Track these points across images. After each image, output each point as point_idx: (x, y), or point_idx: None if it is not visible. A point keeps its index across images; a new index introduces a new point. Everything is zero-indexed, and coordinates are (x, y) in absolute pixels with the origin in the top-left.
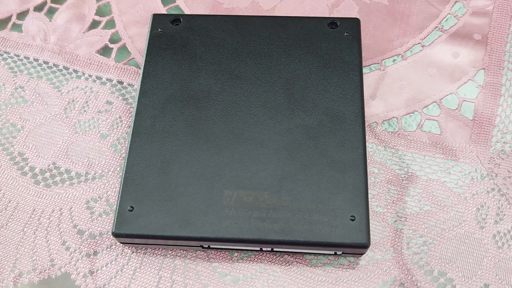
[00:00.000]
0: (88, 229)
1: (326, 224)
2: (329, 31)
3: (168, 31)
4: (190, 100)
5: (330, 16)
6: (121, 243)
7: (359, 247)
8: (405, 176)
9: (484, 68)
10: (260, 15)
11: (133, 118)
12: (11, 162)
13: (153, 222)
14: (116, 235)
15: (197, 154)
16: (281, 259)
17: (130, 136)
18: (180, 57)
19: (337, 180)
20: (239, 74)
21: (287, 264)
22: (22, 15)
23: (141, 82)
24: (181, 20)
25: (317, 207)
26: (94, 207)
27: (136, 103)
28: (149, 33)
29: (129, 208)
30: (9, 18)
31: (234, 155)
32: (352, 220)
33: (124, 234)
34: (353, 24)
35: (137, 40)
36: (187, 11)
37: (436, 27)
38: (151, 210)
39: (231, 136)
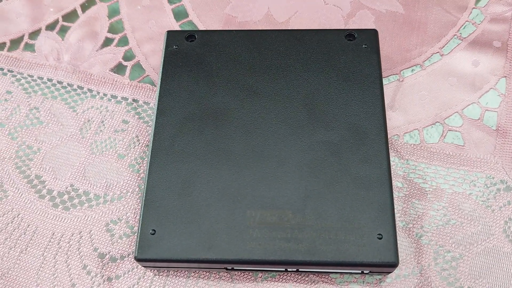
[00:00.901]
0: (109, 252)
1: (353, 243)
2: (347, 43)
3: (183, 48)
4: (208, 118)
5: (347, 28)
6: (143, 266)
7: (387, 266)
8: (429, 190)
9: (505, 76)
10: (276, 29)
11: (151, 138)
12: (29, 185)
13: (176, 245)
14: (139, 260)
15: (218, 173)
16: (307, 279)
17: (149, 157)
18: (196, 74)
19: (362, 197)
20: (257, 90)
21: (313, 284)
22: (34, 34)
23: (158, 100)
24: (196, 36)
25: (342, 225)
26: (114, 229)
27: (154, 122)
28: (164, 50)
29: (151, 231)
30: (21, 38)
31: (255, 174)
32: (380, 239)
33: (147, 259)
34: (371, 36)
35: (151, 57)
36: (200, 26)
37: (455, 35)
38: (173, 233)
39: (251, 154)
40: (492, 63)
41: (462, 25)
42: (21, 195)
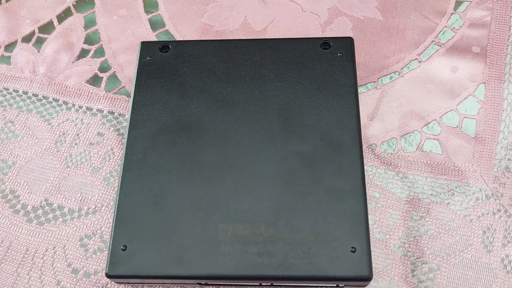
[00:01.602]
0: (82, 268)
1: (326, 256)
2: (322, 52)
3: (157, 59)
4: (181, 131)
5: (323, 37)
6: (116, 283)
7: (361, 280)
8: (407, 200)
9: (484, 82)
10: (251, 38)
11: (124, 152)
12: (3, 200)
13: (147, 261)
14: (110, 276)
15: (190, 187)
16: None
17: (121, 171)
18: (170, 86)
19: (336, 209)
20: (231, 101)
21: None
22: (10, 46)
23: (131, 113)
24: (170, 47)
25: (315, 238)
26: (88, 244)
27: (126, 136)
28: (137, 61)
29: (122, 247)
30: None
31: (228, 186)
32: (353, 252)
33: (119, 275)
34: (347, 44)
35: (127, 68)
36: (177, 35)
37: (433, 41)
38: (144, 248)
39: (224, 166)
40: (471, 69)
41: (441, 31)
42: None
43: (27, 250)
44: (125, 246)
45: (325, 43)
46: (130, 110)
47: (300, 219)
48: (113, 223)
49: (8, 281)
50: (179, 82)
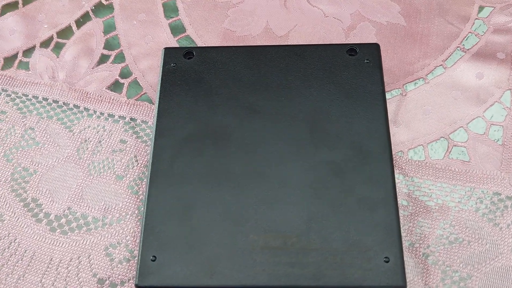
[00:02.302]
0: (108, 278)
1: (359, 267)
2: (348, 58)
3: (181, 66)
4: (208, 139)
5: (348, 43)
6: None
7: None
8: (435, 208)
9: (510, 89)
10: (275, 43)
11: (150, 160)
12: (25, 209)
13: (178, 272)
14: (139, 287)
15: (219, 196)
16: None
17: (148, 180)
18: (195, 93)
19: (368, 219)
20: (257, 109)
21: None
22: (28, 52)
23: (157, 121)
24: (194, 53)
25: (348, 249)
26: (114, 253)
27: (152, 144)
28: (161, 68)
29: (151, 257)
30: (15, 56)
31: (257, 196)
32: (386, 262)
33: (148, 286)
34: (373, 50)
35: (149, 73)
36: (198, 41)
37: (458, 47)
38: (174, 259)
39: (253, 175)
40: (497, 76)
41: (465, 37)
42: (18, 219)
43: (51, 259)
44: (154, 256)
45: (352, 49)
46: (155, 117)
47: (332, 229)
48: (141, 233)
49: None
50: (204, 89)
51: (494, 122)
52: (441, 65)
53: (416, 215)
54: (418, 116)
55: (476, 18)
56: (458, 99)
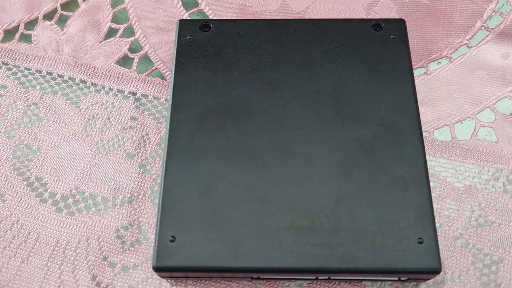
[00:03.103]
0: (120, 261)
1: (392, 248)
2: (373, 33)
3: (198, 38)
4: (228, 114)
5: (374, 18)
6: (161, 276)
7: (429, 273)
8: (463, 189)
9: None
10: (297, 18)
11: (167, 135)
12: (29, 189)
13: (199, 252)
14: (157, 269)
15: (242, 173)
16: (338, 287)
17: (165, 157)
18: (213, 66)
19: (400, 198)
20: (280, 84)
21: None
22: (30, 24)
23: (173, 95)
24: (211, 26)
25: (380, 229)
26: (125, 236)
27: (169, 119)
28: (176, 40)
29: (170, 238)
30: (16, 28)
31: (283, 174)
32: (420, 243)
33: (167, 268)
34: (399, 26)
35: (160, 48)
36: (212, 16)
37: (482, 26)
38: (195, 239)
39: (277, 152)
40: None
41: (489, 16)
42: (21, 199)
43: (57, 242)
44: (173, 237)
45: (377, 24)
46: (171, 92)
47: (362, 208)
48: (158, 212)
49: (37, 276)
50: (223, 62)
51: None
52: (465, 44)
53: (443, 197)
54: (443, 96)
55: None
56: (483, 78)
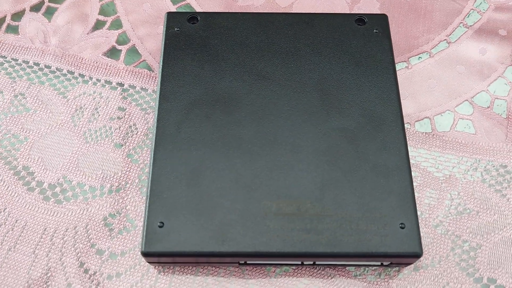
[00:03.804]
0: (108, 248)
1: (375, 233)
2: (357, 28)
3: (185, 30)
4: (216, 104)
5: (357, 13)
6: (148, 262)
7: (411, 257)
8: (443, 179)
9: None
10: (282, 12)
11: (155, 124)
12: (15, 177)
13: (187, 238)
14: (146, 254)
15: (229, 161)
16: (323, 272)
17: (153, 145)
18: (200, 58)
19: (382, 185)
20: (266, 75)
21: (329, 278)
22: (17, 16)
23: (161, 85)
24: (199, 18)
25: (363, 215)
26: (113, 223)
27: (157, 108)
28: (164, 32)
29: (158, 224)
30: (2, 19)
31: (269, 162)
32: (402, 228)
33: (156, 253)
34: (382, 21)
35: (148, 41)
36: (198, 9)
37: (461, 23)
38: (183, 225)
39: (264, 141)
40: (499, 52)
41: (467, 13)
42: (7, 187)
43: (44, 230)
44: (161, 222)
45: (360, 19)
46: (159, 82)
47: (347, 195)
48: (147, 199)
49: (25, 263)
50: (210, 54)
51: (498, 96)
52: (445, 40)
53: (424, 186)
54: (424, 89)
55: None
56: (462, 73)
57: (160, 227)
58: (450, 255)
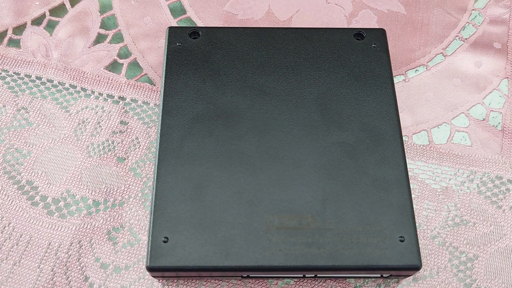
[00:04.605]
0: (112, 262)
1: (375, 246)
2: (355, 42)
3: (187, 45)
4: (218, 119)
5: (355, 27)
6: (153, 276)
7: (411, 269)
8: (441, 191)
9: (507, 77)
10: (283, 27)
11: (158, 140)
12: (19, 192)
13: (191, 253)
14: (151, 269)
15: (232, 176)
16: (324, 284)
17: (157, 160)
18: (202, 73)
19: (382, 199)
20: (267, 90)
21: None
22: (18, 29)
23: (163, 100)
24: (200, 33)
25: (364, 229)
26: (117, 237)
27: (160, 123)
28: (166, 47)
29: (163, 239)
30: (4, 33)
31: (271, 177)
32: (402, 241)
33: (161, 268)
34: (380, 35)
35: (149, 54)
36: (199, 23)
37: (457, 36)
38: (187, 240)
39: (265, 155)
40: (494, 64)
41: (463, 27)
42: (11, 202)
43: (49, 244)
44: (166, 237)
45: (359, 33)
46: (161, 97)
47: (347, 209)
48: (151, 214)
49: (30, 278)
50: (212, 69)
51: (493, 109)
52: (441, 53)
53: (422, 197)
54: (421, 102)
55: (473, 9)
56: (458, 86)
57: (165, 242)
58: (448, 266)
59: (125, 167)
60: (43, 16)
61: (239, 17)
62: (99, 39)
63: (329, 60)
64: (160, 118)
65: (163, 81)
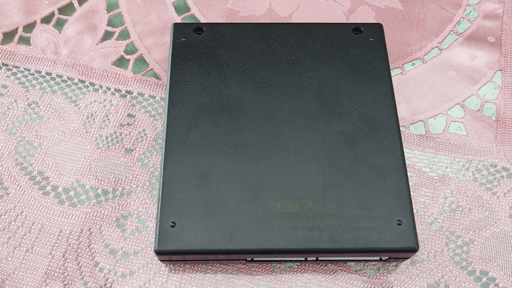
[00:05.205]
0: (121, 248)
1: (374, 230)
2: (354, 36)
3: (192, 40)
4: (222, 110)
5: (354, 22)
6: (161, 260)
7: (408, 252)
8: (437, 178)
9: (501, 70)
10: (283, 22)
11: (165, 130)
12: (31, 182)
13: (198, 237)
14: (159, 252)
15: (236, 165)
16: (325, 268)
17: (164, 150)
18: (207, 67)
19: (380, 185)
20: (269, 83)
21: (332, 273)
22: (28, 27)
23: (169, 93)
24: (204, 29)
25: (363, 213)
26: (125, 224)
27: (166, 115)
28: (171, 42)
29: (170, 224)
30: (15, 31)
31: (273, 164)
32: (399, 225)
33: (168, 251)
34: (377, 30)
35: (154, 50)
36: (202, 20)
37: (452, 30)
38: (194, 225)
39: (268, 145)
40: (488, 57)
41: (458, 21)
42: (24, 192)
43: (60, 232)
44: (173, 222)
45: (357, 28)
46: (167, 90)
47: (346, 195)
48: (159, 200)
49: (42, 264)
50: (216, 63)
51: (488, 100)
52: (437, 47)
53: (419, 185)
54: (418, 94)
55: (467, 5)
56: (453, 78)
57: (172, 227)
58: (445, 250)
59: (132, 158)
60: (52, 14)
61: (241, 14)
62: (107, 36)
63: (329, 54)
64: (167, 110)
65: (169, 75)
